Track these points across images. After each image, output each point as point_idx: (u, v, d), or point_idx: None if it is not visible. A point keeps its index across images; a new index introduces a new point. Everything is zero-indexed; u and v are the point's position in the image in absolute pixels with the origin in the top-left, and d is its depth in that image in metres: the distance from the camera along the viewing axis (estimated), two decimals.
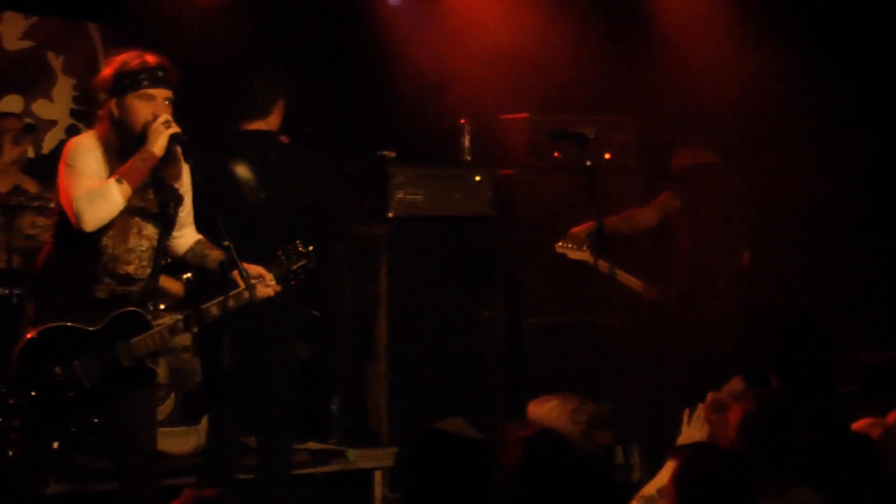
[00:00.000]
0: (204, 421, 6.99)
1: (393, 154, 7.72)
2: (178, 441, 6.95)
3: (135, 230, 5.28)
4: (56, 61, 7.93)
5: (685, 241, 7.61)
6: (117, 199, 5.11)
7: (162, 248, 5.38)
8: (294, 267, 5.53)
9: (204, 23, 7.75)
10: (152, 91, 5.20)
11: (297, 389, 6.34)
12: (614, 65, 8.40)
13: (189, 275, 6.91)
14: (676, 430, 5.16)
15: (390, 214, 7.62)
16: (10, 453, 5.31)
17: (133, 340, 5.24)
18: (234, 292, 5.32)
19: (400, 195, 7.58)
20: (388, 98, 8.36)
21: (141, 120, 5.19)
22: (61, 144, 7.81)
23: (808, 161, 8.36)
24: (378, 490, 7.34)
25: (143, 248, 5.31)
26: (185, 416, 7.06)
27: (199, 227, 5.59)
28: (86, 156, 5.19)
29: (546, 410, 4.85)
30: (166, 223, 5.36)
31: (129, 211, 5.23)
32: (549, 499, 3.81)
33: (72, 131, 7.95)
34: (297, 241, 5.55)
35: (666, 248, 7.80)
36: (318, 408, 7.55)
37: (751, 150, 8.39)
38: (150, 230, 5.33)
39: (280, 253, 5.53)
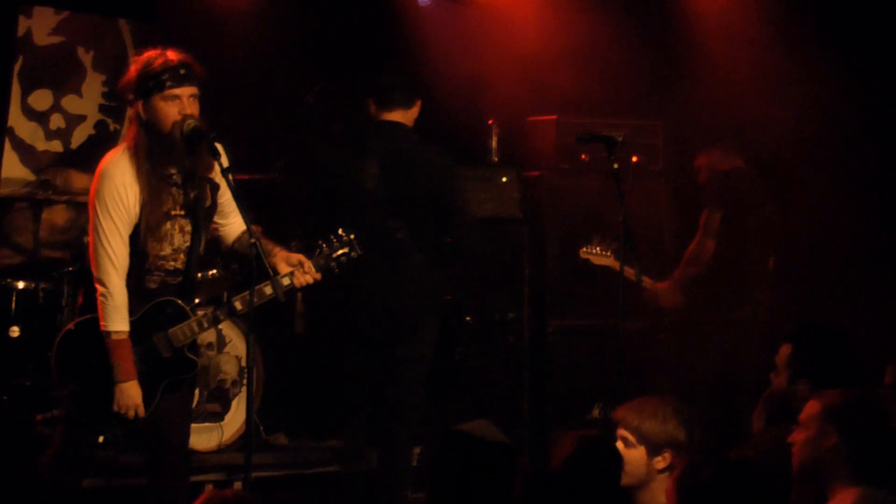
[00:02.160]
0: (227, 418, 7.01)
1: None
2: (203, 438, 6.96)
3: (177, 229, 5.29)
4: (86, 57, 7.95)
5: (712, 244, 7.59)
6: (109, 310, 5.14)
7: (198, 239, 5.35)
8: (335, 255, 5.50)
9: (234, 21, 7.76)
10: (177, 91, 5.19)
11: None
12: (643, 68, 8.38)
13: (214, 271, 6.93)
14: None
15: None
16: (54, 447, 5.29)
17: (170, 330, 5.26)
18: (260, 285, 5.31)
19: None
20: None
21: (168, 120, 5.19)
22: (90, 139, 7.88)
23: (832, 178, 8.30)
24: None
25: (188, 244, 5.33)
26: (209, 412, 7.07)
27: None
28: (115, 199, 5.16)
29: (655, 407, 4.79)
30: (199, 215, 5.34)
31: (170, 215, 5.25)
32: (584, 497, 3.81)
33: (101, 127, 7.97)
34: (340, 230, 5.51)
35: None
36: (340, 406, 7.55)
37: (777, 161, 8.35)
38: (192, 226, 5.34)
39: (321, 241, 5.50)
